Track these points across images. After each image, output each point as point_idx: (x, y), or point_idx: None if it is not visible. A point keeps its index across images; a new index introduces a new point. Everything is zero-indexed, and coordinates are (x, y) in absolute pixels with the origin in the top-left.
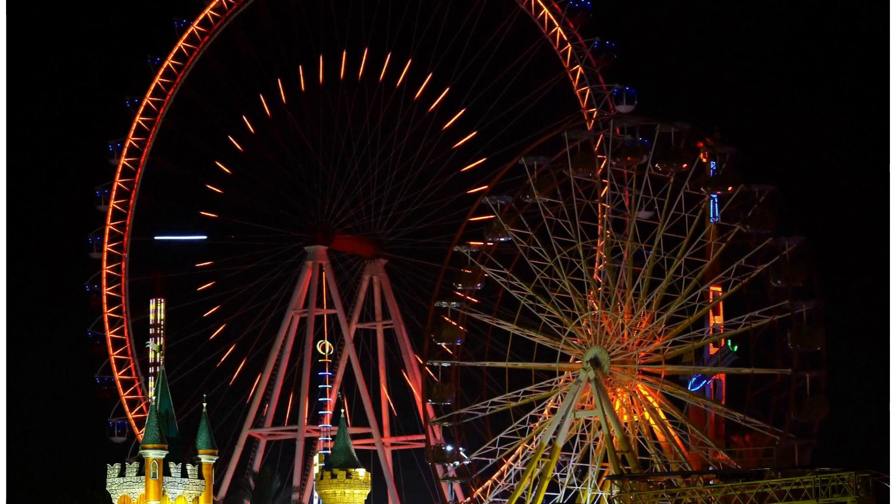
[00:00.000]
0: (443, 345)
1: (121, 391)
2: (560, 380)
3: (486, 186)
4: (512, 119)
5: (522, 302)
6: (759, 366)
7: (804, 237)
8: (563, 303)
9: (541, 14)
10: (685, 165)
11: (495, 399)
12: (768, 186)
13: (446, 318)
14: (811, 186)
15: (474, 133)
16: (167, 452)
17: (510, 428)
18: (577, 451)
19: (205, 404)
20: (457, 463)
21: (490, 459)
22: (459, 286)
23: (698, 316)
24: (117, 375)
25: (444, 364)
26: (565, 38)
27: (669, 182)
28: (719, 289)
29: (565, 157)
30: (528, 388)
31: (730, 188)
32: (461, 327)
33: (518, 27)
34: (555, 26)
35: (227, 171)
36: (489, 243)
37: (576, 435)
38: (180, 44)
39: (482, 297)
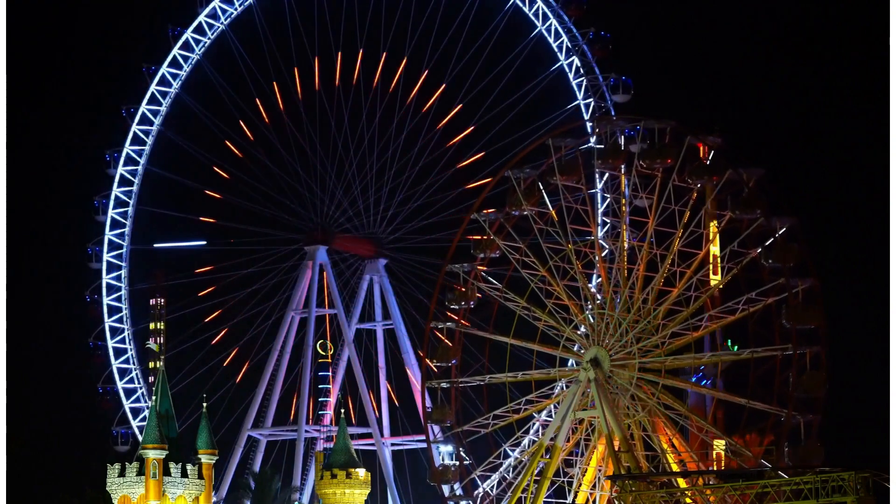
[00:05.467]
0: (451, 307)
1: (123, 400)
2: (560, 375)
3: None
4: (510, 112)
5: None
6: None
7: (815, 279)
8: (559, 309)
9: (535, 7)
10: (714, 179)
11: (493, 374)
12: (789, 219)
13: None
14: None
15: (472, 128)
16: (167, 452)
17: (506, 412)
18: (576, 450)
19: (204, 404)
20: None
21: (482, 430)
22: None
23: (701, 335)
24: (120, 384)
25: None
26: (560, 30)
27: (692, 196)
28: (718, 278)
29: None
30: (527, 372)
31: (755, 212)
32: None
33: (513, 21)
34: (549, 19)
35: (226, 176)
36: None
37: (572, 434)
38: (175, 51)
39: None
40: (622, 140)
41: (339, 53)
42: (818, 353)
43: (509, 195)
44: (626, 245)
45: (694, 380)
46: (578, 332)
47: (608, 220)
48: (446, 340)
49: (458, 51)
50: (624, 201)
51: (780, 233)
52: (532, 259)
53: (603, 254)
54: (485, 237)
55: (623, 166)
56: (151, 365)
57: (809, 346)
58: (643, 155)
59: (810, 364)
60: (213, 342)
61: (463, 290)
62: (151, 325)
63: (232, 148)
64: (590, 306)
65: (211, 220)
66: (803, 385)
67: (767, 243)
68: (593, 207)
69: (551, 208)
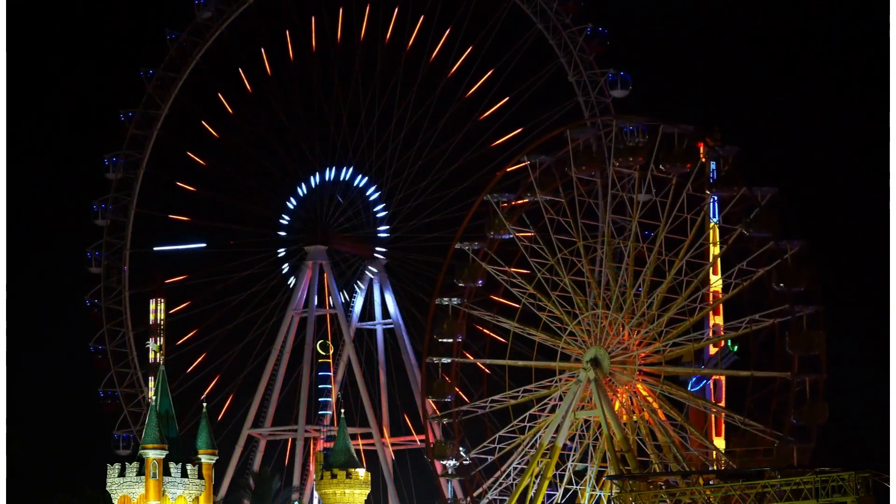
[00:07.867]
0: (443, 341)
1: (124, 403)
2: (560, 378)
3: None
4: (509, 109)
5: (524, 301)
6: (758, 369)
7: (805, 241)
8: (563, 302)
9: (533, 4)
10: (688, 166)
11: (495, 397)
12: (771, 189)
13: (447, 316)
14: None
15: (470, 125)
16: (167, 452)
17: (510, 426)
18: (576, 450)
19: (205, 404)
20: (455, 462)
21: (489, 457)
22: (460, 283)
23: (698, 318)
24: (120, 388)
25: (445, 361)
26: (558, 26)
27: (672, 183)
28: (719, 289)
29: (567, 156)
30: (527, 387)
31: (734, 189)
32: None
33: (511, 18)
34: (547, 16)
35: (225, 177)
36: (492, 238)
37: (575, 434)
38: (172, 54)
39: (482, 294)
40: (595, 145)
41: (337, 51)
42: (816, 312)
43: (489, 220)
44: (612, 245)
45: (693, 379)
46: (575, 341)
47: (592, 223)
48: (443, 375)
49: (457, 48)
50: (604, 204)
51: (764, 202)
52: (520, 280)
53: (591, 257)
54: (474, 262)
55: (598, 171)
56: (151, 366)
57: (806, 306)
58: (616, 154)
59: (808, 325)
60: (214, 344)
61: (453, 321)
62: (151, 323)
63: (230, 149)
64: (583, 312)
65: (210, 222)
66: (803, 343)
67: (752, 215)
68: (573, 215)
69: (532, 227)
